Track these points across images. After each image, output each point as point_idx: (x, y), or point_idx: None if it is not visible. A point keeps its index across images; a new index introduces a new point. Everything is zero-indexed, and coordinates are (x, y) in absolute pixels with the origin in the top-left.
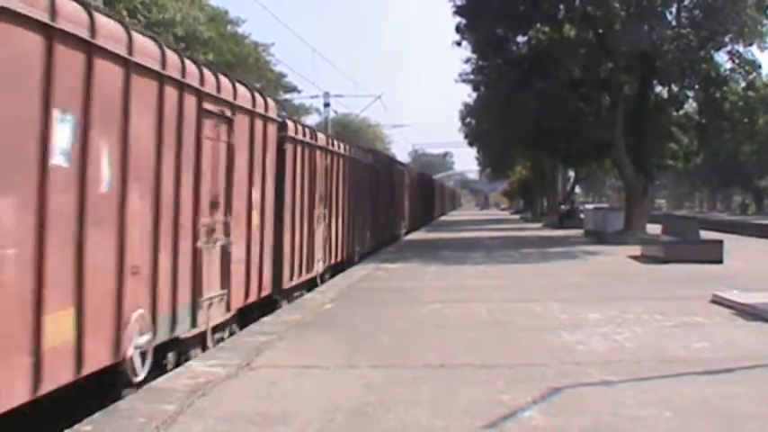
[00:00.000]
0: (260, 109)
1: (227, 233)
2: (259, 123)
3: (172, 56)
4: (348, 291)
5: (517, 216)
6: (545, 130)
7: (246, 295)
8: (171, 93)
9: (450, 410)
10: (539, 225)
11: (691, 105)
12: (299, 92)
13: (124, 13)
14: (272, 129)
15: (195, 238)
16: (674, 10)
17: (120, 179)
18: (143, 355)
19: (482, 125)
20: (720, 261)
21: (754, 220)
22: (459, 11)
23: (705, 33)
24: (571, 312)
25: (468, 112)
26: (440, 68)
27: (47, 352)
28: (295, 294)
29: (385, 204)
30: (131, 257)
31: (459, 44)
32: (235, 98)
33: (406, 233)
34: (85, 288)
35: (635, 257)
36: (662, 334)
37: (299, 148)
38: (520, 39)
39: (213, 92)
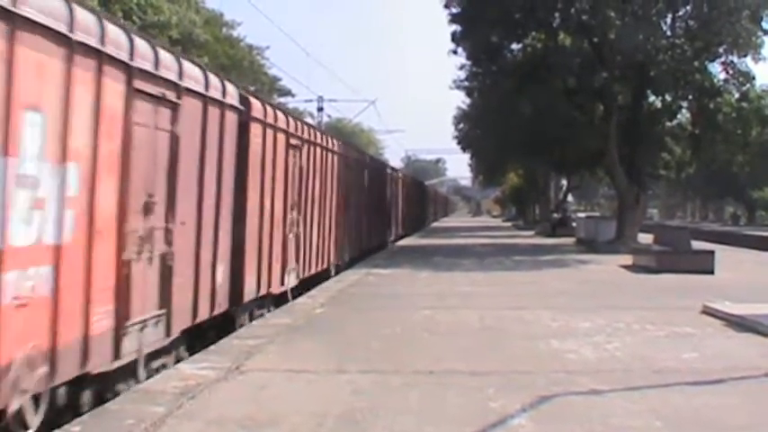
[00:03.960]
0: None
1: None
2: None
3: (338, 145)
4: (339, 295)
5: (509, 223)
6: (538, 137)
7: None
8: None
9: (439, 417)
10: (531, 233)
11: (684, 116)
12: (292, 96)
13: (119, 14)
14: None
15: (338, 228)
16: (668, 20)
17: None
18: (334, 267)
19: (476, 131)
20: (711, 272)
21: (746, 230)
22: (454, 19)
23: (700, 44)
24: (562, 321)
25: (462, 117)
26: (434, 75)
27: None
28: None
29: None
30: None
31: (455, 53)
32: (347, 154)
33: (398, 239)
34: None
35: (626, 267)
36: (652, 344)
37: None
38: (514, 46)
39: (349, 154)
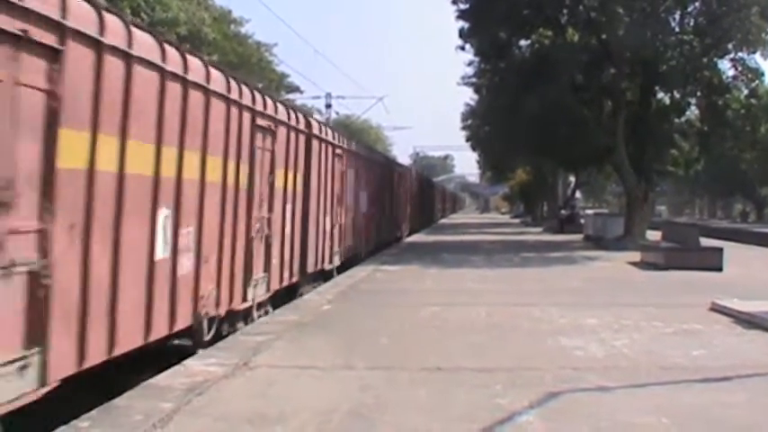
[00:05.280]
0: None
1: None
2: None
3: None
4: (347, 292)
5: (517, 220)
6: (546, 134)
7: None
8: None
9: (447, 414)
10: (539, 230)
11: (692, 112)
12: (301, 92)
13: (127, 11)
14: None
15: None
16: (677, 16)
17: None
18: (368, 253)
19: (484, 128)
20: (720, 268)
21: (755, 228)
22: (462, 15)
23: (709, 40)
24: (570, 317)
25: (470, 114)
26: (442, 71)
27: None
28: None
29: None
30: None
31: (462, 48)
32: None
33: (406, 236)
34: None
35: (634, 263)
36: (660, 341)
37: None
38: (522, 43)
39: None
